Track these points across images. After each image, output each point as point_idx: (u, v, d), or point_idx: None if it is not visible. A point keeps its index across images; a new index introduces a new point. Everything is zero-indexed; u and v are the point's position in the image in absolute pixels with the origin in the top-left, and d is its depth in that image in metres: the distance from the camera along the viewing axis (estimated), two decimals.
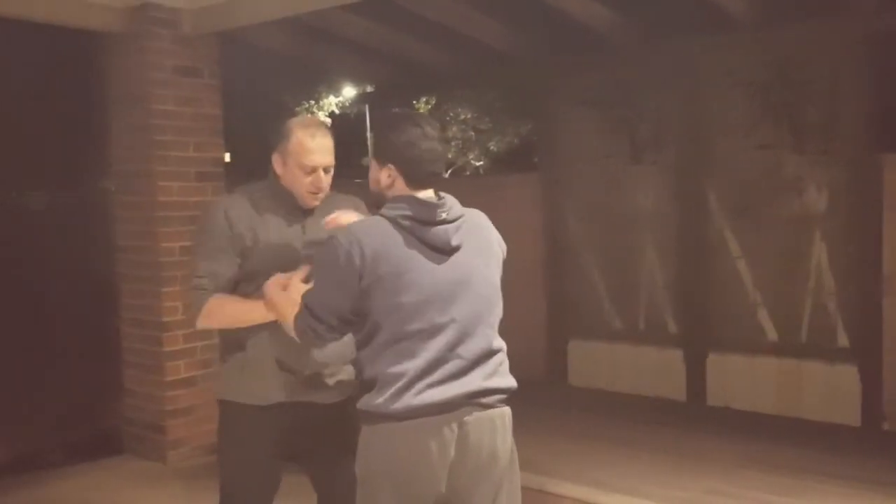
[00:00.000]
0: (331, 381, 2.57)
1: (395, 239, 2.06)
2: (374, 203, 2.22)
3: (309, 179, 2.47)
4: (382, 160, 2.17)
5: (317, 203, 2.54)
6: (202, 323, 2.53)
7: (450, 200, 2.16)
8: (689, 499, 3.67)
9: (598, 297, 5.98)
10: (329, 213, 2.51)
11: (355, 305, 2.06)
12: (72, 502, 4.21)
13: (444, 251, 2.10)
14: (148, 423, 4.86)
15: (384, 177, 2.17)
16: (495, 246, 2.25)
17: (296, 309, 2.17)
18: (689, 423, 4.98)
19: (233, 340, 2.55)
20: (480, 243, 2.20)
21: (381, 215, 2.12)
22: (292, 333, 2.21)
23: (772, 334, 5.23)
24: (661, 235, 5.66)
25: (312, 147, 2.46)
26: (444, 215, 2.10)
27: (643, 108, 5.61)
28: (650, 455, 4.31)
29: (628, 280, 5.81)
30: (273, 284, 2.32)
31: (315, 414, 2.55)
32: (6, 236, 6.07)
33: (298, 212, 2.54)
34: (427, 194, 2.15)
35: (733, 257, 5.34)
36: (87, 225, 5.29)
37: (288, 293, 2.26)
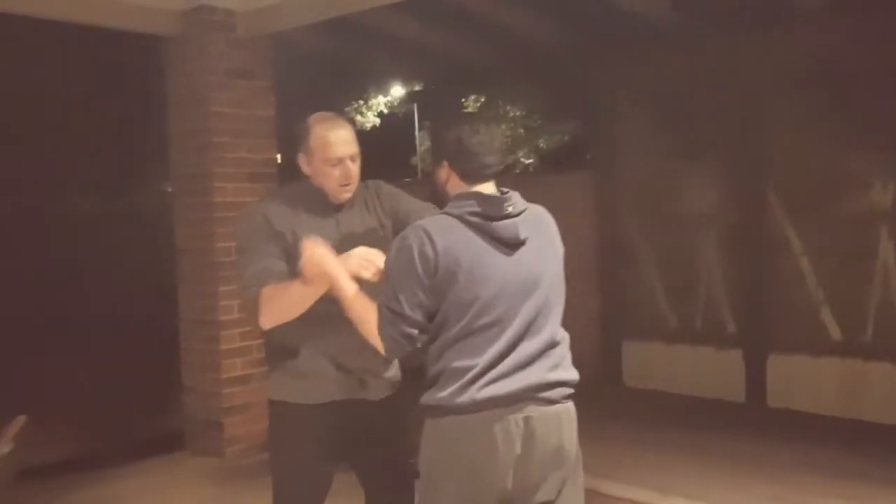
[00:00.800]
0: (380, 378, 2.56)
1: (464, 235, 2.08)
2: (439, 203, 2.26)
3: (337, 172, 2.47)
4: (438, 158, 2.23)
5: (348, 195, 2.53)
6: (265, 318, 2.41)
7: (514, 195, 2.18)
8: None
9: (654, 297, 5.89)
10: (359, 205, 2.55)
11: (432, 302, 2.07)
12: (136, 499, 4.28)
13: (511, 245, 2.10)
14: (206, 420, 4.93)
15: (442, 175, 2.22)
16: (556, 239, 2.26)
17: (371, 314, 2.11)
18: (749, 425, 4.87)
19: (280, 341, 2.53)
20: (544, 236, 2.21)
21: (447, 213, 2.13)
22: (373, 342, 2.15)
23: (835, 334, 5.09)
24: (719, 233, 5.55)
25: (333, 140, 2.46)
26: (510, 209, 2.11)
27: (701, 103, 5.50)
28: (710, 458, 4.22)
29: (685, 279, 5.71)
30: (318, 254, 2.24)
31: (364, 411, 2.54)
32: (70, 240, 6.24)
33: (331, 208, 2.54)
34: (489, 189, 2.16)
35: (795, 255, 5.20)
36: (147, 227, 5.39)
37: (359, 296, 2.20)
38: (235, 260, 2.60)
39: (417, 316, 2.05)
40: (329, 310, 2.39)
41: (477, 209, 2.09)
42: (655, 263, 5.89)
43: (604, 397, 5.49)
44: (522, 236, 2.12)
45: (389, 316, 2.07)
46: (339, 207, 2.55)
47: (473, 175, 2.16)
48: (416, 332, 2.06)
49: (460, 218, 2.10)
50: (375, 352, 2.38)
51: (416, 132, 17.39)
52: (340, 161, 2.46)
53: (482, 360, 2.03)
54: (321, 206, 2.53)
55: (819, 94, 4.98)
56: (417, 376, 2.20)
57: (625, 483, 3.83)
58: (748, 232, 5.40)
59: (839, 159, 4.97)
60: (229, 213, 4.79)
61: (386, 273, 2.15)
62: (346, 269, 2.22)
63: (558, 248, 2.25)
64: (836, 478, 3.89)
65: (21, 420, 2.21)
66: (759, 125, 5.32)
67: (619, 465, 4.07)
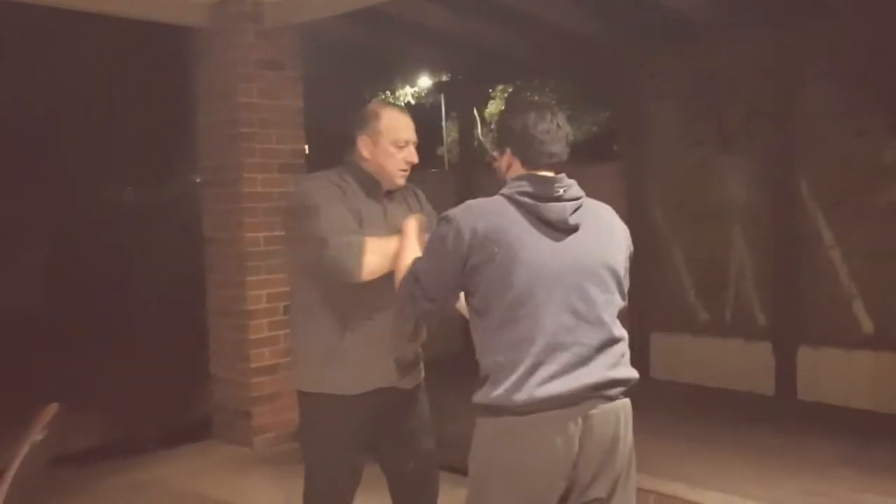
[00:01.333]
0: (413, 366, 2.58)
1: (511, 216, 2.03)
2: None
3: (402, 155, 2.54)
4: (502, 145, 2.20)
5: (403, 181, 2.59)
6: (368, 269, 2.37)
7: (571, 181, 2.13)
8: (784, 499, 3.54)
9: (683, 289, 5.83)
10: (404, 204, 2.61)
11: (461, 281, 2.06)
12: (167, 486, 4.34)
13: (561, 229, 2.04)
14: (235, 409, 4.98)
15: (504, 162, 2.19)
16: (620, 233, 2.20)
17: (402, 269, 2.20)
18: (779, 418, 4.81)
19: (312, 330, 2.56)
20: (602, 227, 2.15)
21: (501, 194, 2.10)
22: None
23: (867, 327, 5.01)
24: (749, 225, 5.48)
25: (404, 124, 2.55)
26: (561, 191, 2.07)
27: (732, 94, 5.42)
28: (739, 451, 4.18)
29: (715, 271, 5.65)
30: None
31: (394, 399, 2.56)
32: (101, 230, 6.32)
33: (380, 194, 2.59)
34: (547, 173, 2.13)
35: (826, 247, 5.13)
36: (177, 218, 5.46)
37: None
38: (293, 224, 2.57)
39: (426, 282, 2.09)
40: (371, 300, 2.41)
41: (528, 189, 2.05)
42: (684, 255, 5.84)
43: (631, 390, 5.44)
44: (573, 221, 2.05)
45: (409, 272, 2.16)
46: (388, 195, 2.60)
47: (535, 163, 2.12)
48: (420, 293, 2.11)
49: (510, 198, 2.06)
50: (411, 339, 2.42)
51: (444, 123, 17.33)
52: (408, 144, 2.54)
53: (531, 353, 1.97)
54: (372, 190, 2.58)
55: (852, 85, 4.89)
56: (444, 370, 2.21)
57: (652, 475, 3.79)
58: (779, 223, 5.33)
59: (872, 151, 4.88)
60: (257, 203, 4.82)
61: (428, 238, 2.20)
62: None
63: (622, 242, 2.19)
64: (868, 472, 3.83)
65: (53, 408, 2.23)
66: (791, 116, 5.24)
67: (646, 457, 3.98)
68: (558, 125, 2.15)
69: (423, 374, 2.68)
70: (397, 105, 2.72)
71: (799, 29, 5.06)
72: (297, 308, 2.68)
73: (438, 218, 2.13)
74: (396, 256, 2.32)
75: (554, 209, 2.04)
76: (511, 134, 2.15)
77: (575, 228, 2.06)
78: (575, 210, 2.07)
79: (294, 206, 2.57)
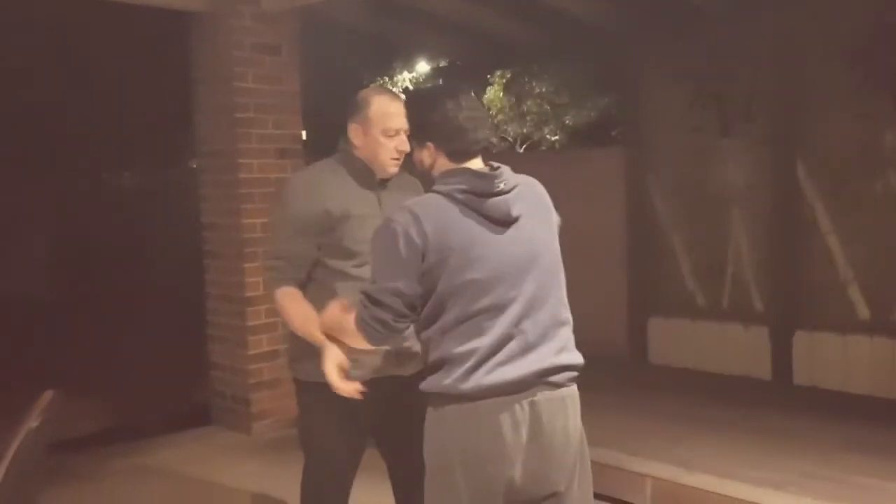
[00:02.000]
0: (416, 354, 2.56)
1: (453, 214, 1.98)
2: (425, 185, 2.19)
3: (393, 143, 2.50)
4: (421, 139, 2.11)
5: (395, 170, 2.56)
6: (280, 314, 2.60)
7: (505, 170, 2.06)
8: (783, 481, 3.53)
9: (681, 274, 5.84)
10: (400, 192, 2.55)
11: (420, 288, 1.98)
12: (167, 471, 4.36)
13: (503, 223, 2.01)
14: (234, 395, 4.99)
15: (426, 156, 2.10)
16: (552, 213, 2.16)
17: (348, 322, 2.09)
18: (776, 402, 4.82)
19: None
20: (539, 211, 2.10)
21: (435, 191, 2.03)
22: (358, 343, 2.14)
23: (863, 312, 5.02)
24: (748, 210, 5.48)
25: (394, 111, 2.49)
26: (501, 185, 2.01)
27: (733, 78, 5.39)
28: (736, 434, 4.19)
29: (713, 256, 5.65)
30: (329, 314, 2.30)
31: (394, 386, 2.56)
32: (101, 217, 6.31)
33: (374, 183, 2.57)
34: (477, 164, 2.07)
35: (824, 232, 5.13)
36: (174, 204, 5.44)
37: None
38: (272, 225, 2.68)
39: (394, 303, 1.98)
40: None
41: (466, 187, 1.99)
42: (683, 240, 5.84)
43: (629, 374, 5.48)
44: (515, 213, 2.02)
45: (365, 301, 2.02)
46: (382, 184, 2.58)
47: (462, 153, 2.05)
48: (390, 317, 1.99)
49: (448, 196, 2.00)
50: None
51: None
52: (398, 132, 2.49)
53: (484, 344, 1.96)
54: (365, 179, 2.56)
55: (853, 70, 4.86)
56: None
57: (648, 459, 3.81)
58: (777, 209, 5.33)
59: (872, 135, 4.86)
60: (255, 189, 4.81)
61: (371, 255, 2.10)
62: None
63: (554, 222, 2.15)
64: (868, 455, 3.83)
65: (49, 395, 2.23)
66: (791, 102, 5.22)
67: (643, 441, 4.06)
68: (478, 108, 2.08)
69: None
70: (390, 91, 2.66)
71: (800, 12, 5.03)
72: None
73: (380, 227, 2.05)
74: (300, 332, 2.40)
75: (496, 205, 2.00)
76: (431, 127, 2.06)
77: (517, 219, 2.03)
78: (515, 200, 2.03)
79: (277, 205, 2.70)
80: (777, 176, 5.31)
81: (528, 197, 2.08)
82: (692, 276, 5.79)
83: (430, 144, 2.08)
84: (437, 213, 1.98)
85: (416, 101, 2.18)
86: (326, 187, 2.51)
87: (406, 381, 2.56)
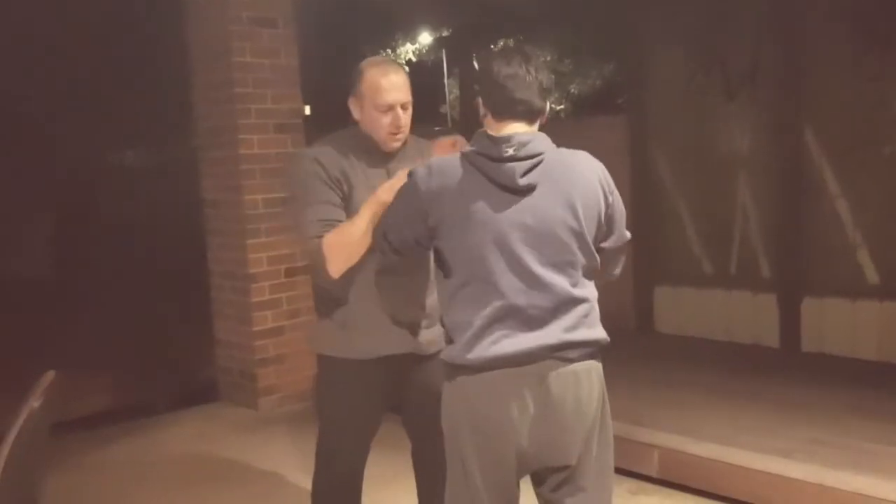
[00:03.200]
0: (430, 332, 2.53)
1: (466, 176, 1.99)
2: None
3: (387, 119, 2.41)
4: (475, 94, 2.13)
5: (398, 145, 2.47)
6: (334, 267, 2.34)
7: (527, 137, 1.99)
8: (791, 449, 3.51)
9: (687, 242, 5.79)
10: (410, 157, 2.48)
11: (421, 236, 2.06)
12: (174, 448, 4.38)
13: (512, 190, 1.96)
14: (240, 371, 5.00)
15: (481, 112, 2.10)
16: (587, 189, 2.04)
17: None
18: (784, 370, 4.79)
19: (331, 294, 2.51)
20: (563, 185, 2.00)
21: (461, 152, 2.04)
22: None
23: (872, 277, 4.97)
24: (755, 175, 5.41)
25: (385, 85, 2.39)
26: (510, 151, 1.95)
27: (738, 41, 5.29)
28: (744, 403, 4.16)
29: (720, 223, 5.60)
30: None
31: (415, 365, 2.54)
32: (104, 194, 6.29)
33: (381, 157, 2.49)
34: (513, 128, 2.01)
35: (832, 197, 5.07)
36: (177, 181, 5.40)
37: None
38: (285, 209, 2.58)
39: (392, 237, 2.12)
40: (384, 264, 2.36)
41: (477, 149, 1.99)
42: (689, 207, 5.78)
43: (636, 343, 5.45)
44: (524, 182, 1.95)
45: (377, 228, 2.19)
46: (389, 157, 2.49)
47: (502, 112, 2.02)
48: (386, 247, 2.15)
49: (465, 156, 2.00)
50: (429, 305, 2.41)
51: (445, 80, 17.13)
52: (391, 108, 2.40)
53: (483, 313, 1.96)
54: (372, 154, 2.48)
55: (861, 30, 4.77)
56: None
57: (656, 430, 3.80)
58: (784, 173, 5.26)
59: (880, 98, 4.78)
60: (255, 165, 4.78)
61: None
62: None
63: (591, 198, 2.04)
64: (877, 421, 3.80)
65: (50, 375, 2.22)
66: (797, 63, 5.13)
67: (650, 411, 4.05)
68: (527, 70, 2.01)
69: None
70: (388, 61, 2.53)
71: None
72: (313, 272, 2.64)
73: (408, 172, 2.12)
74: (368, 228, 2.27)
75: (504, 171, 1.96)
76: (480, 83, 2.10)
77: (529, 189, 1.97)
78: (531, 169, 1.97)
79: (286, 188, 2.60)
80: (784, 140, 5.24)
81: (555, 169, 2.00)
82: (698, 243, 5.75)
83: (479, 99, 2.10)
84: (449, 172, 2.01)
85: (478, 58, 2.25)
86: (333, 159, 2.44)
87: (426, 360, 2.53)
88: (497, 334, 1.96)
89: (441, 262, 2.06)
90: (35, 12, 5.13)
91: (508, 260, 1.96)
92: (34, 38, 5.25)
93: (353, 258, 2.33)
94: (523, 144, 1.97)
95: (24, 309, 5.93)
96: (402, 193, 2.10)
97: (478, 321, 1.97)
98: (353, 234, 2.29)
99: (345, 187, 2.42)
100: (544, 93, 2.05)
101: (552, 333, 1.98)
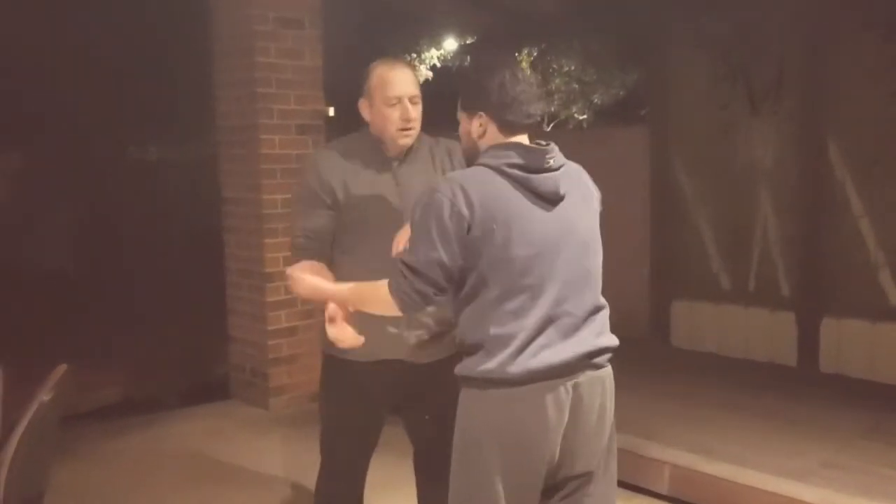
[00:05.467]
0: (433, 341, 2.52)
1: (501, 188, 1.94)
2: (469, 160, 2.11)
3: (397, 114, 2.39)
4: (472, 108, 2.05)
5: (408, 141, 2.45)
6: (294, 290, 2.44)
7: (554, 147, 2.03)
8: (805, 471, 3.47)
9: (706, 256, 5.74)
10: (421, 169, 2.46)
11: (462, 261, 1.93)
12: (183, 444, 4.39)
13: (551, 200, 1.97)
14: (253, 370, 5.00)
15: (475, 127, 2.04)
16: (594, 196, 2.13)
17: (377, 289, 2.03)
18: (801, 389, 4.73)
19: None
20: (583, 193, 2.08)
21: (484, 164, 1.99)
22: (384, 311, 2.07)
23: (895, 299, 4.90)
24: (777, 191, 5.36)
25: (393, 77, 2.39)
26: (551, 162, 1.98)
27: (763, 53, 5.24)
28: (759, 422, 4.12)
29: (740, 238, 5.55)
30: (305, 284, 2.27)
31: (414, 373, 2.52)
32: (125, 189, 6.33)
33: (389, 161, 2.48)
34: (526, 140, 2.03)
35: (855, 216, 5.00)
36: (197, 178, 5.42)
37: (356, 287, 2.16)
38: (291, 209, 2.63)
39: (436, 275, 1.93)
40: (384, 269, 2.35)
41: (518, 161, 1.95)
42: (709, 221, 5.73)
43: (651, 357, 5.41)
44: (562, 191, 1.99)
45: (405, 271, 1.95)
46: (397, 160, 2.48)
47: (514, 126, 2.01)
48: (431, 290, 1.95)
49: (498, 170, 1.96)
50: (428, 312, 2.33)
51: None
52: (399, 100, 2.39)
53: (527, 326, 1.92)
54: (378, 158, 2.47)
55: (889, 41, 4.70)
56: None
57: (667, 445, 3.75)
58: (806, 190, 5.21)
59: None
60: (276, 165, 4.78)
61: (411, 226, 2.05)
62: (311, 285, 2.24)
63: (596, 208, 2.12)
64: (891, 446, 3.75)
65: (62, 368, 2.23)
66: (822, 77, 5.08)
67: (663, 426, 4.01)
68: (530, 82, 2.02)
69: (452, 347, 2.60)
70: (395, 58, 2.55)
71: None
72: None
73: (423, 197, 1.98)
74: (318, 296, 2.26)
75: (546, 181, 1.97)
76: (485, 96, 2.00)
77: (563, 198, 1.99)
78: (563, 178, 2.00)
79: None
80: (807, 155, 5.18)
81: (573, 178, 2.06)
82: (717, 258, 5.70)
83: (482, 114, 2.03)
84: (484, 185, 1.94)
85: (473, 70, 2.13)
86: (335, 165, 2.45)
87: (426, 368, 2.52)
88: (535, 345, 1.94)
89: (473, 277, 1.96)
90: (62, 12, 5.18)
91: (550, 270, 1.96)
92: (62, 37, 5.30)
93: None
94: (556, 154, 2.01)
95: (42, 300, 5.99)
96: (435, 218, 1.92)
97: (522, 334, 1.93)
98: (312, 290, 2.31)
99: (339, 194, 2.42)
100: (546, 101, 2.09)
101: (586, 340, 2.00)
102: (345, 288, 2.19)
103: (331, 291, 2.20)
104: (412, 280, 1.95)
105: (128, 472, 4.02)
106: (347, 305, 2.18)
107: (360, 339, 2.21)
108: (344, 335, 2.20)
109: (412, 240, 2.00)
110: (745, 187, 5.48)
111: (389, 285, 2.00)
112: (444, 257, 1.92)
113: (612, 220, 2.18)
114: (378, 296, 2.04)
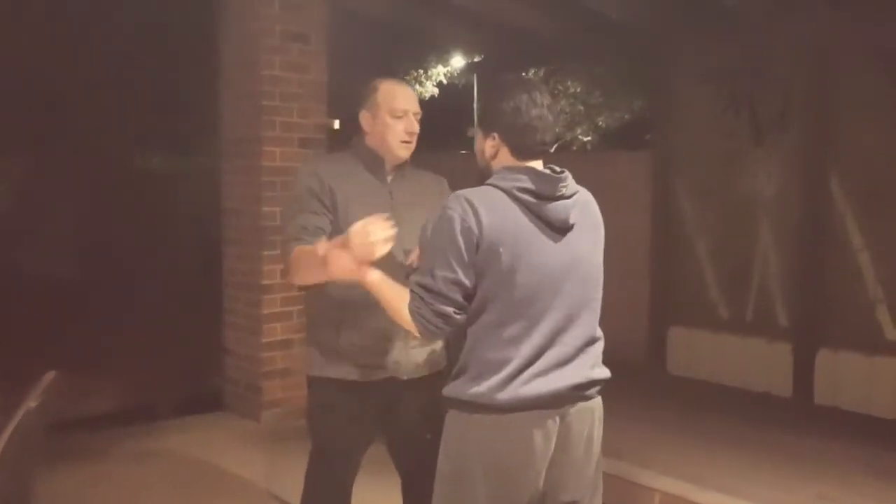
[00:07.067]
0: (421, 358, 2.52)
1: (511, 212, 1.91)
2: (480, 177, 2.07)
3: (401, 126, 2.47)
4: (487, 128, 2.03)
5: (407, 154, 2.52)
6: (293, 278, 2.40)
7: (568, 175, 2.00)
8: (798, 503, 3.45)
9: (705, 284, 5.73)
10: (415, 187, 2.51)
11: (473, 280, 1.89)
12: (174, 455, 4.36)
13: (559, 229, 1.95)
14: (246, 383, 4.98)
15: (488, 147, 2.03)
16: (600, 227, 2.10)
17: (402, 311, 1.96)
18: (795, 421, 4.71)
19: (320, 317, 2.54)
20: (590, 222, 2.05)
21: (494, 185, 1.95)
22: (404, 326, 2.01)
23: (891, 334, 4.89)
24: (778, 222, 5.36)
25: (400, 92, 2.50)
26: (563, 190, 1.95)
27: (768, 83, 5.26)
28: (752, 453, 4.09)
29: (739, 267, 5.54)
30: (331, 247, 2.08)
31: (399, 389, 2.52)
32: (126, 198, 6.34)
33: (385, 173, 2.53)
34: (539, 166, 2.01)
35: (855, 249, 5.00)
36: (198, 188, 5.43)
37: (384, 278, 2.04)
38: (281, 215, 2.62)
39: (454, 294, 1.89)
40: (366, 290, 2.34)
41: (529, 186, 1.92)
42: (709, 249, 5.73)
43: (646, 383, 5.38)
44: (571, 221, 1.96)
45: (423, 293, 1.91)
46: (393, 173, 2.53)
47: (527, 151, 1.99)
48: (451, 310, 1.90)
49: (508, 193, 1.92)
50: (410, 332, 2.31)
51: (475, 104, 17.18)
52: (406, 113, 2.47)
53: (521, 353, 1.90)
54: (376, 170, 2.52)
55: (891, 76, 4.72)
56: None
57: (659, 473, 3.72)
58: (807, 222, 5.20)
59: None
60: (277, 177, 4.79)
61: (422, 246, 2.04)
62: (353, 259, 2.03)
63: (601, 238, 2.10)
64: (887, 480, 3.73)
65: (50, 375, 2.22)
66: (826, 109, 5.09)
67: (655, 453, 3.98)
68: (548, 109, 1.99)
69: (442, 363, 2.58)
70: (400, 80, 2.68)
71: (836, 15, 4.88)
72: (308, 294, 2.64)
73: (434, 216, 1.95)
74: (320, 276, 2.13)
75: (556, 209, 1.94)
76: (500, 117, 1.98)
77: (571, 227, 1.97)
78: (573, 207, 1.98)
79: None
80: (808, 187, 5.19)
81: (583, 206, 2.04)
82: (716, 286, 5.69)
83: (495, 135, 2.01)
84: (494, 205, 1.91)
85: (492, 88, 2.07)
86: (334, 172, 2.49)
87: (409, 385, 2.52)
88: (528, 374, 1.91)
89: (476, 299, 1.93)
90: (69, 23, 5.20)
91: (552, 300, 1.93)
92: (69, 48, 5.32)
93: (309, 280, 2.35)
94: (569, 182, 1.98)
95: (39, 308, 5.97)
96: (449, 236, 1.88)
97: (516, 361, 1.90)
98: (311, 268, 2.22)
99: (338, 197, 2.45)
100: (559, 129, 2.07)
101: (579, 372, 1.97)
102: (378, 279, 2.03)
103: (370, 278, 2.04)
104: (430, 302, 1.90)
105: (119, 482, 3.99)
106: (377, 296, 2.05)
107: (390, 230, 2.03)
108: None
109: (425, 259, 1.97)
110: (747, 217, 5.48)
111: (409, 307, 1.95)
112: (460, 275, 1.89)
113: (611, 244, 2.17)
114: (402, 316, 1.98)
